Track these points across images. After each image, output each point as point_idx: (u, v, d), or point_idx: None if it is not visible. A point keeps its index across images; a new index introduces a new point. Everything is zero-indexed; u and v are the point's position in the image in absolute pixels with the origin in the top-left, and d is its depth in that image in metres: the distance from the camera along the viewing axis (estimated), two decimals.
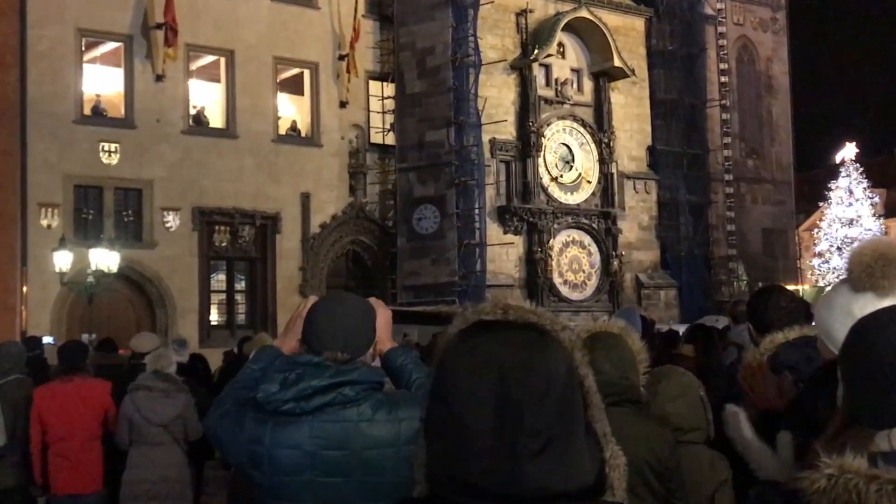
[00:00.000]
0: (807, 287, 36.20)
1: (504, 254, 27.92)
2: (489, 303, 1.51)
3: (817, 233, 39.73)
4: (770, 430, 2.89)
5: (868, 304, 2.51)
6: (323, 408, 2.74)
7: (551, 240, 28.58)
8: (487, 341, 1.42)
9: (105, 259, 22.25)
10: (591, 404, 1.46)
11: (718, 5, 34.77)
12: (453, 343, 1.45)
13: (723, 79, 34.63)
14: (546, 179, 28.83)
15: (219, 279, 26.92)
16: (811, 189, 43.22)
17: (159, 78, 25.15)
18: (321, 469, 2.74)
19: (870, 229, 37.95)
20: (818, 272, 38.20)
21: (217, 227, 26.21)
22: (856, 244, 2.85)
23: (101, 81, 25.73)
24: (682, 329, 20.69)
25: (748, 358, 3.47)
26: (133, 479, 7.59)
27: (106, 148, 24.42)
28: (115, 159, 24.52)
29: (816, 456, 1.56)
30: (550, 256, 28.46)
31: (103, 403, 7.68)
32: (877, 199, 40.27)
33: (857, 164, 39.03)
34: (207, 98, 27.18)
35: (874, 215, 38.93)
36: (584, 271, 29.70)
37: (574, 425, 1.40)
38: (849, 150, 39.60)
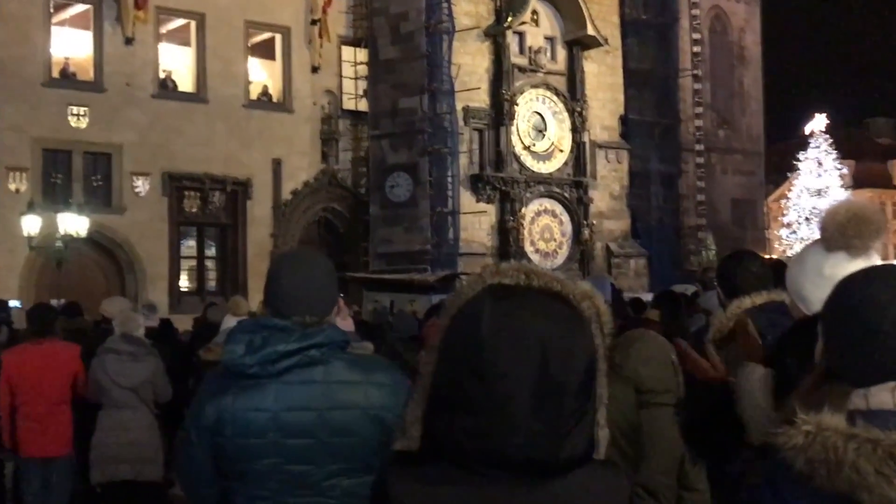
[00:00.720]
0: (775, 257, 36.51)
1: (476, 222, 27.92)
2: (510, 266, 1.50)
3: (786, 203, 40.02)
4: (728, 404, 2.85)
5: (840, 264, 2.52)
6: (289, 369, 2.71)
7: (523, 208, 28.61)
8: (525, 313, 1.41)
9: (74, 224, 22.04)
10: (599, 371, 1.47)
11: None
12: (484, 310, 1.42)
13: (695, 49, 34.68)
14: (519, 148, 28.80)
15: (189, 245, 26.76)
16: (781, 160, 43.46)
17: (129, 41, 24.83)
18: (285, 430, 2.72)
19: (837, 200, 38.24)
20: (786, 242, 38.50)
21: (187, 193, 26.01)
22: (830, 205, 2.86)
23: (70, 44, 25.34)
24: (649, 297, 20.85)
25: (714, 325, 3.47)
26: (102, 443, 7.56)
27: (75, 111, 24.12)
28: (84, 123, 24.23)
29: (793, 412, 1.55)
30: (522, 225, 28.49)
31: (72, 367, 7.62)
32: (845, 171, 40.59)
33: (827, 136, 39.27)
34: (178, 62, 26.86)
35: (842, 186, 39.23)
36: (555, 240, 29.78)
37: (594, 398, 1.44)
38: (819, 122, 39.81)
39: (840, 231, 2.53)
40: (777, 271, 3.73)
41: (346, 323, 7.03)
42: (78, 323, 10.03)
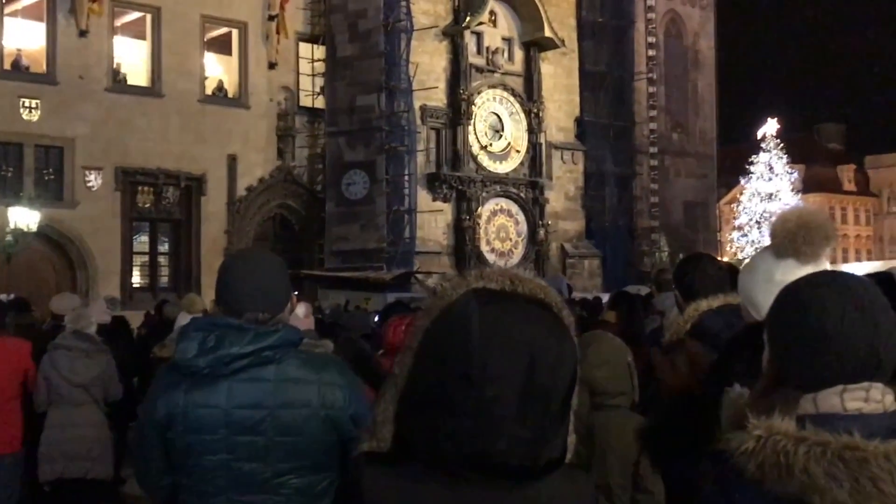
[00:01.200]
0: (726, 259, 36.95)
1: (433, 221, 27.95)
2: (495, 271, 1.50)
3: (737, 206, 40.54)
4: (686, 410, 2.90)
5: (790, 270, 2.57)
6: (242, 369, 2.71)
7: (480, 208, 28.69)
8: (513, 318, 1.41)
9: (24, 218, 21.72)
10: (578, 378, 1.49)
11: None
12: (471, 314, 1.41)
13: (650, 52, 35.00)
14: (476, 148, 28.87)
15: (141, 241, 26.47)
16: (733, 163, 44.02)
17: (83, 33, 24.48)
18: (235, 427, 2.72)
19: (788, 204, 38.81)
20: (737, 245, 39.01)
21: (140, 188, 25.72)
22: (780, 211, 2.92)
23: (23, 35, 24.94)
24: (605, 297, 21.00)
25: (669, 329, 3.52)
26: (51, 440, 7.47)
27: (27, 104, 23.74)
28: (35, 115, 23.86)
29: (744, 417, 1.57)
30: (478, 224, 28.58)
31: (23, 363, 7.51)
32: (796, 175, 41.19)
33: (778, 140, 39.83)
34: (133, 55, 26.54)
35: (793, 190, 39.83)
36: (511, 240, 29.91)
37: (571, 402, 1.46)
38: (770, 126, 40.36)
39: (790, 238, 2.58)
40: (732, 275, 3.79)
41: (306, 321, 7.04)
42: (27, 319, 9.87)
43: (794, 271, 2.57)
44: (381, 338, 4.95)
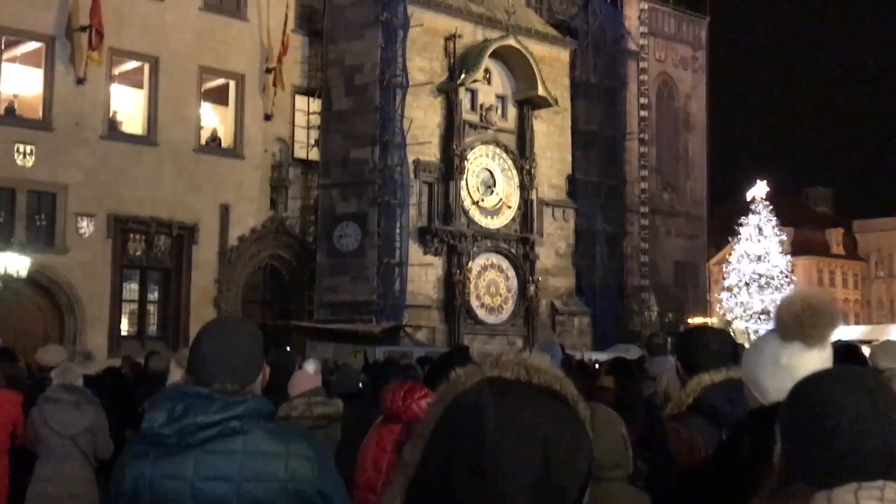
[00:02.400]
0: (715, 320, 37.02)
1: (423, 274, 27.97)
2: (510, 359, 1.46)
3: (727, 267, 40.69)
4: (696, 485, 2.90)
5: (796, 354, 2.58)
6: (209, 440, 2.68)
7: (470, 262, 28.73)
8: (528, 411, 1.39)
9: (14, 263, 21.64)
10: (591, 472, 1.46)
11: (641, 41, 35.55)
12: (485, 405, 1.39)
13: (642, 113, 35.37)
14: (467, 203, 29.01)
15: (131, 288, 26.36)
16: (722, 224, 44.26)
17: (80, 81, 24.61)
18: (202, 500, 2.68)
19: (777, 266, 39.01)
20: (726, 306, 39.09)
21: (132, 236, 25.70)
22: (785, 294, 2.94)
23: (20, 81, 25.08)
24: (595, 356, 20.96)
25: (667, 399, 3.52)
26: (38, 494, 7.36)
27: (21, 149, 23.78)
28: (30, 161, 23.89)
29: None
30: (469, 279, 28.61)
31: (12, 415, 7.44)
32: (784, 237, 41.43)
33: (767, 202, 40.12)
34: (129, 104, 26.69)
35: (782, 252, 40.03)
36: (501, 295, 29.92)
37: (585, 498, 1.42)
38: (760, 188, 40.68)
39: (796, 321, 2.59)
40: (735, 348, 3.80)
41: (315, 378, 6.98)
42: (14, 369, 9.79)
43: (801, 355, 2.58)
44: (380, 403, 4.94)
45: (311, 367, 7.13)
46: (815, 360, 2.55)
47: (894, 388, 1.68)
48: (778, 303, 2.73)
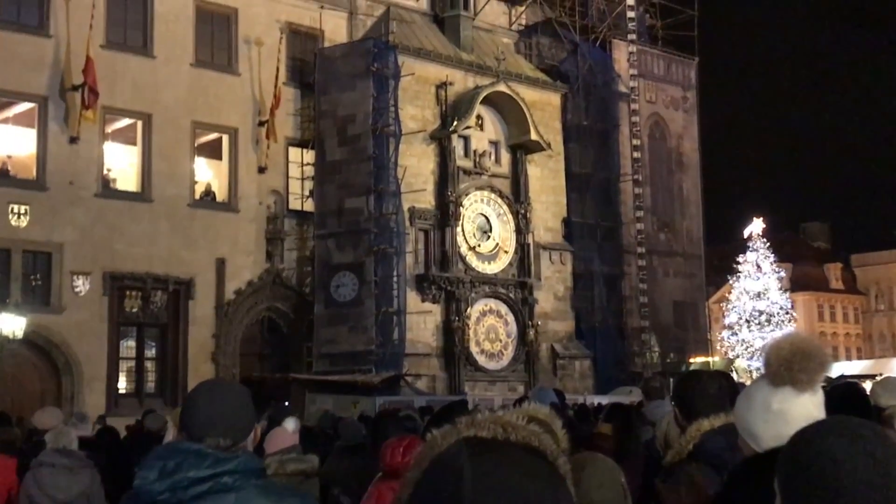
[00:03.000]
0: (717, 359, 36.88)
1: (422, 322, 27.89)
2: (486, 418, 1.44)
3: (726, 305, 40.64)
4: None
5: (787, 399, 2.54)
6: (200, 496, 2.66)
7: (469, 309, 28.68)
8: (507, 470, 1.36)
9: (10, 324, 21.58)
10: None
11: (631, 83, 35.80)
12: (462, 465, 1.36)
13: (635, 154, 35.52)
14: (464, 248, 29.03)
15: (128, 345, 26.26)
16: (720, 262, 44.29)
17: (73, 140, 24.73)
18: None
19: (776, 302, 38.97)
20: (727, 344, 38.98)
21: (128, 292, 25.66)
22: (772, 339, 2.89)
23: (13, 142, 25.20)
24: (596, 399, 20.84)
25: (664, 447, 3.47)
26: None
27: (15, 210, 23.82)
28: (24, 221, 23.92)
29: None
30: (468, 325, 28.53)
31: (7, 481, 7.35)
32: (783, 274, 41.45)
33: (765, 240, 40.19)
34: (123, 161, 26.80)
35: (781, 289, 40.02)
36: (500, 340, 29.82)
37: None
38: (756, 226, 40.79)
39: (786, 366, 2.56)
40: (732, 391, 3.75)
41: (293, 436, 6.91)
42: (8, 433, 9.69)
43: (792, 400, 2.55)
44: (379, 459, 4.88)
45: (290, 424, 7.06)
46: (807, 404, 2.52)
47: (893, 438, 1.64)
48: (766, 347, 2.69)
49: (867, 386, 6.03)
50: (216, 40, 27.71)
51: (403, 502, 1.41)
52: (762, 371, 2.68)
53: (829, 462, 1.59)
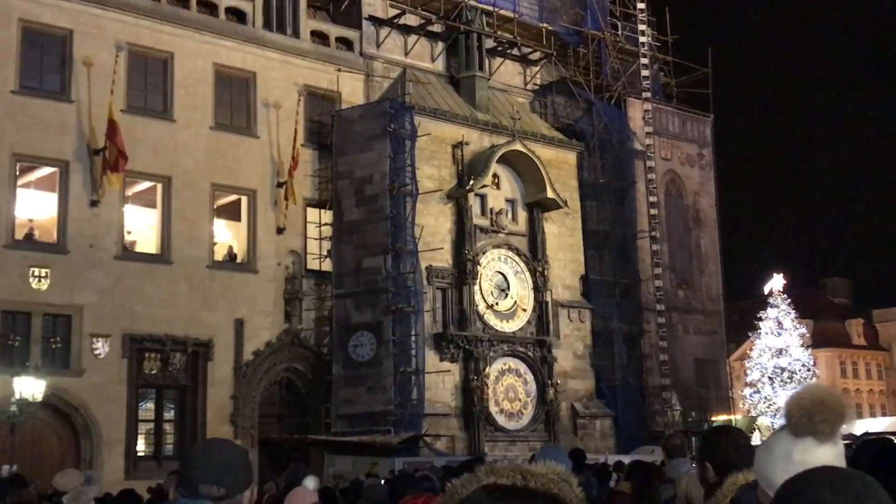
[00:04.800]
0: (739, 417, 36.41)
1: (440, 381, 27.74)
2: (505, 466, 1.44)
3: (748, 362, 40.22)
4: None
5: (808, 450, 2.51)
6: None
7: (487, 367, 28.53)
8: None
9: (30, 387, 21.60)
10: None
11: (647, 141, 35.95)
12: None
13: (652, 211, 35.52)
14: (482, 307, 28.97)
15: (147, 408, 26.21)
16: (741, 319, 43.94)
17: (94, 203, 24.99)
18: None
19: (798, 359, 38.55)
20: (749, 402, 38.50)
21: (147, 354, 25.68)
22: (794, 390, 2.87)
23: (35, 206, 25.47)
24: (619, 459, 20.59)
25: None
26: None
27: (36, 273, 23.99)
28: (45, 285, 24.07)
29: None
30: (486, 384, 28.34)
31: None
32: (804, 330, 41.07)
33: (785, 296, 39.90)
34: (143, 223, 27.02)
35: (803, 345, 39.61)
36: (520, 400, 29.59)
37: None
38: (777, 282, 40.52)
39: (807, 416, 2.53)
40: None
41: (313, 495, 6.85)
42: (24, 496, 9.68)
43: (814, 450, 2.51)
44: None
45: (311, 483, 7.02)
46: (829, 455, 2.50)
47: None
48: (788, 398, 2.67)
49: None
50: (235, 103, 28.08)
51: None
52: (783, 422, 2.66)
53: None
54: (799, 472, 1.69)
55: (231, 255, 28.07)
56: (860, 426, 30.04)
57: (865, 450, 4.43)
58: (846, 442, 2.64)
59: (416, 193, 27.77)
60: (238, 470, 2.89)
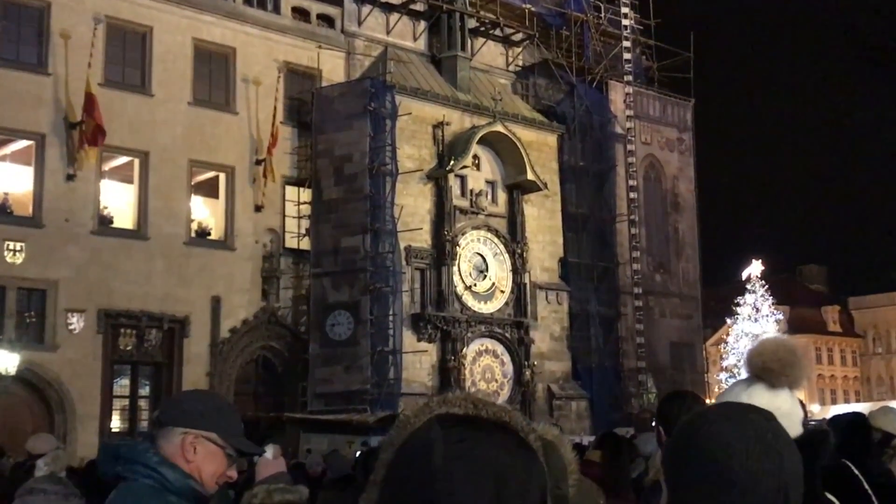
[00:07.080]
0: (715, 401, 36.63)
1: (417, 362, 27.78)
2: (457, 395, 1.45)
3: (724, 347, 40.50)
4: None
5: (757, 393, 2.55)
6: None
7: (465, 348, 28.58)
8: (478, 443, 1.35)
9: (3, 361, 21.48)
10: (547, 500, 1.41)
11: (627, 125, 35.98)
12: (434, 440, 1.35)
13: (631, 195, 35.59)
14: (460, 288, 28.99)
15: (122, 384, 26.12)
16: (718, 304, 44.20)
17: (70, 177, 24.79)
18: None
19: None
20: (725, 386, 38.74)
21: (123, 330, 25.55)
22: (755, 340, 2.90)
23: (10, 179, 25.25)
24: (588, 440, 20.68)
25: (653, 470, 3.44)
26: None
27: (11, 247, 23.80)
28: (19, 258, 23.89)
29: None
30: (464, 365, 28.40)
31: None
32: (781, 316, 41.37)
33: (763, 282, 40.15)
34: (119, 198, 26.82)
35: (779, 331, 39.87)
36: (496, 381, 29.68)
37: None
38: (755, 268, 40.76)
39: (762, 363, 2.57)
40: None
41: (276, 463, 6.83)
42: (2, 465, 9.64)
43: (762, 393, 2.58)
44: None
45: (269, 452, 6.97)
46: (786, 401, 2.51)
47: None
48: (748, 348, 2.69)
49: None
50: (214, 79, 27.89)
51: (378, 483, 1.40)
52: (744, 371, 2.68)
53: (721, 448, 1.50)
54: (698, 409, 1.64)
55: (205, 232, 27.78)
56: (833, 411, 30.27)
57: (837, 422, 4.47)
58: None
59: (396, 173, 27.72)
60: (190, 402, 2.85)
